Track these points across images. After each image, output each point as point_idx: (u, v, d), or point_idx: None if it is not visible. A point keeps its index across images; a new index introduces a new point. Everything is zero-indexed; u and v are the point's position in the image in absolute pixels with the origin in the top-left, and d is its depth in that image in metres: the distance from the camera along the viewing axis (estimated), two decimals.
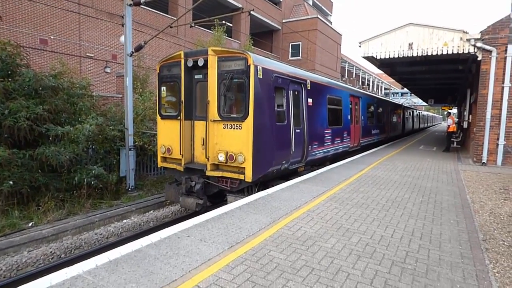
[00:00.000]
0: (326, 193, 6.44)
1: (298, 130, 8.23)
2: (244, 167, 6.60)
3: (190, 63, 7.11)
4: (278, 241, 4.02)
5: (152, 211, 8.92)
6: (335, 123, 10.95)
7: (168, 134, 7.73)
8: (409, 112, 30.36)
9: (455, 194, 6.68)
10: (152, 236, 4.04)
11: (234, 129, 6.70)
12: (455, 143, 18.28)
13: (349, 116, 12.32)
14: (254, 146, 6.53)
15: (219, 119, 6.87)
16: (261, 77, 6.68)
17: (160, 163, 8.07)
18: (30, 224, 7.11)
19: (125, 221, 8.20)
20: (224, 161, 6.80)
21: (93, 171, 8.28)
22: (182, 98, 7.28)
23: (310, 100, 8.90)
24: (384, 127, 18.73)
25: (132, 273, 3.15)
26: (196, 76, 7.41)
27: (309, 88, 8.85)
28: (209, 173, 7.00)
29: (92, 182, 8.25)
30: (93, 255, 4.02)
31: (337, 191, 6.63)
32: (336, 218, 4.96)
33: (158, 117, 8.00)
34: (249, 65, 6.49)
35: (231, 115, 6.86)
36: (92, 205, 8.44)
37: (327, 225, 4.65)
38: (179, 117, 7.38)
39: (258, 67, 6.61)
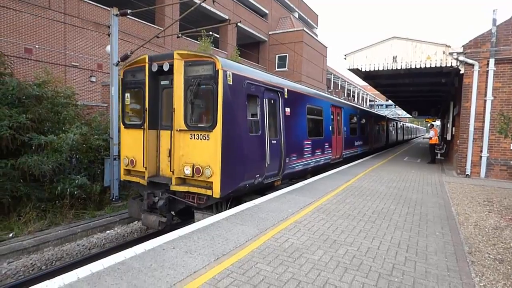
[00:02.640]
0: (313, 204, 6.43)
1: (274, 141, 7.76)
2: (212, 182, 6.05)
3: (154, 68, 6.61)
4: (265, 253, 3.96)
5: (136, 221, 8.72)
6: (316, 134, 10.58)
7: (131, 145, 7.14)
8: (393, 124, 30.49)
9: (440, 206, 6.77)
10: (136, 247, 3.93)
11: (201, 139, 6.19)
12: (439, 154, 18.64)
13: (330, 127, 11.99)
14: (223, 158, 6.01)
15: (186, 128, 6.35)
16: (231, 83, 6.23)
17: (123, 176, 7.39)
18: (10, 235, 6.86)
19: (108, 232, 7.99)
20: (191, 175, 6.24)
21: (76, 181, 8.09)
22: (147, 106, 6.77)
23: (288, 109, 8.48)
24: (367, 138, 18.55)
25: (115, 286, 3.04)
26: (162, 82, 6.92)
27: (286, 96, 8.43)
28: (174, 187, 6.41)
29: (75, 192, 8.05)
30: (74, 267, 3.88)
31: (324, 202, 6.63)
32: (323, 229, 4.94)
33: (122, 126, 7.45)
34: (217, 70, 6.04)
35: (199, 125, 6.34)
36: (75, 216, 8.22)
37: (314, 236, 4.62)
38: (143, 126, 6.83)
39: (228, 72, 6.18)
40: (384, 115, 27.89)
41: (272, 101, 7.88)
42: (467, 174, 11.22)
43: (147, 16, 21.10)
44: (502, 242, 4.82)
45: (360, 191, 7.86)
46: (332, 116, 12.41)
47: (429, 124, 22.89)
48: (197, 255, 3.82)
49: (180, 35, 10.57)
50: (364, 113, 18.79)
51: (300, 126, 9.31)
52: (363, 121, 17.94)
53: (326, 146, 11.41)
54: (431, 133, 16.22)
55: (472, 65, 11.15)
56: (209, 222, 5.07)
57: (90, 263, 3.49)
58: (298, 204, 6.42)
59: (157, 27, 20.16)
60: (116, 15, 9.48)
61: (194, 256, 3.79)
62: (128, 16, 9.78)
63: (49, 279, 3.15)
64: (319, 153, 10.79)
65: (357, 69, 13.96)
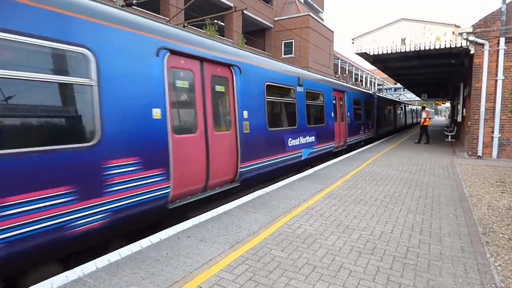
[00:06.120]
0: (324, 190, 6.44)
1: None
2: None
3: None
4: (278, 240, 4.00)
5: None
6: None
7: None
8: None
9: (452, 188, 6.72)
10: (152, 237, 4.00)
11: None
12: (449, 137, 18.44)
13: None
14: None
15: None
16: None
17: None
18: None
19: None
20: None
21: None
22: None
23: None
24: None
25: (133, 275, 3.11)
26: None
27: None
28: None
29: None
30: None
31: (335, 188, 6.63)
32: (335, 215, 4.96)
33: None
34: None
35: None
36: None
37: (327, 222, 4.64)
38: None
39: None
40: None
41: None
42: (478, 156, 11.08)
43: (152, 6, 20.93)
44: None
45: (371, 176, 7.83)
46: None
47: (420, 107, 22.60)
48: (212, 243, 3.87)
49: (186, 25, 10.52)
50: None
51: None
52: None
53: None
54: (423, 114, 16.55)
55: (482, 44, 10.87)
56: (222, 211, 5.12)
57: (108, 254, 3.57)
58: (309, 190, 6.43)
59: (162, 16, 20.02)
60: (122, 5, 9.45)
61: (209, 244, 3.84)
62: (134, 6, 9.72)
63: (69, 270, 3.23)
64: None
65: (365, 53, 13.72)
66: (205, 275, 3.16)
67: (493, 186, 7.02)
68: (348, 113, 13.28)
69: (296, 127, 8.54)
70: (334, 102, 11.66)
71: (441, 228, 4.40)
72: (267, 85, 7.26)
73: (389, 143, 16.15)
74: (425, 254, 3.61)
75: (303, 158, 8.88)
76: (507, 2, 10.51)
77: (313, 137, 9.63)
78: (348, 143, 13.08)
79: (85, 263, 3.45)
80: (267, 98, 7.19)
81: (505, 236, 4.22)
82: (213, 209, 4.85)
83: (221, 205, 5.43)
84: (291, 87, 8.42)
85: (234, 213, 5.04)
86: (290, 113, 8.47)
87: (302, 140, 8.88)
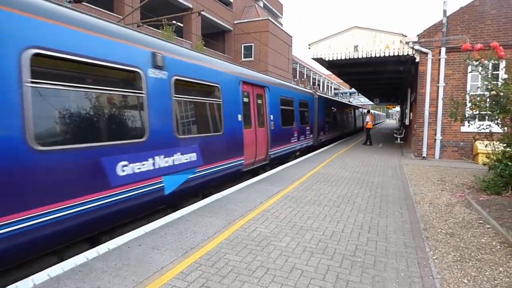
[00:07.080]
0: (280, 192, 6.55)
1: None
2: None
3: None
4: (233, 244, 4.00)
5: None
6: None
7: None
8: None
9: (399, 188, 7.14)
10: (99, 247, 3.80)
11: None
12: (398, 139, 19.61)
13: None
14: None
15: None
16: None
17: None
18: None
19: None
20: None
21: None
22: None
23: None
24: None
25: None
26: None
27: None
28: None
29: None
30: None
31: (291, 190, 6.76)
32: (290, 216, 5.06)
33: None
34: None
35: None
36: None
37: (282, 224, 4.72)
38: None
39: None
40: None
41: None
42: (423, 156, 11.90)
43: (105, 3, 20.06)
44: (453, 217, 5.20)
45: (326, 177, 8.09)
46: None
47: (366, 111, 24.00)
48: (165, 251, 3.77)
49: (141, 24, 10.21)
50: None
51: None
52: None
53: None
54: (367, 118, 17.78)
55: (426, 53, 11.74)
56: (177, 216, 5.01)
57: (48, 268, 3.34)
58: (266, 193, 6.51)
59: (116, 15, 19.25)
60: (70, 2, 8.95)
61: (162, 252, 3.74)
62: (83, 3, 9.26)
63: None
64: None
65: (321, 58, 14.21)
66: (155, 284, 3.06)
67: (435, 185, 7.58)
68: (272, 116, 9.93)
69: (144, 139, 4.83)
70: (245, 100, 8.37)
71: (387, 226, 4.66)
72: (35, 54, 3.41)
73: (344, 146, 16.83)
74: (372, 251, 3.80)
75: (167, 191, 5.29)
76: (447, 15, 11.44)
77: (195, 154, 6.06)
78: (272, 156, 9.76)
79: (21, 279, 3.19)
80: (31, 84, 3.34)
81: (443, 231, 4.57)
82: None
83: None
84: (132, 69, 4.73)
85: (190, 218, 4.95)
86: (130, 116, 4.79)
87: (163, 161, 5.20)
